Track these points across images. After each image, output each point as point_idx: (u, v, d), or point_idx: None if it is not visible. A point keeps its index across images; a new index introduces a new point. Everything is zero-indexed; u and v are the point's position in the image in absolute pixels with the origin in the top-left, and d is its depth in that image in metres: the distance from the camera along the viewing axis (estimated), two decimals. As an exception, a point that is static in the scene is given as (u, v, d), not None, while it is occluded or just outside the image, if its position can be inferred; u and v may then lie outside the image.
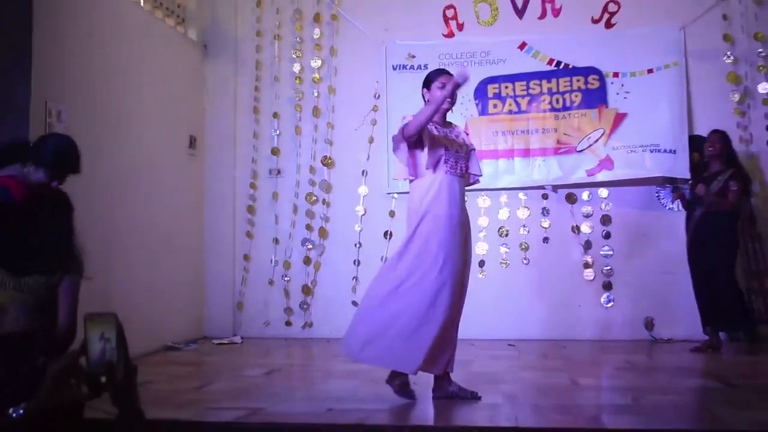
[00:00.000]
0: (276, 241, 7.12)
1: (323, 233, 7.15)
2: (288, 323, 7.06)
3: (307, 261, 7.11)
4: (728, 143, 5.97)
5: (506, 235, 6.94)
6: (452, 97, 3.98)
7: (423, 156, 3.96)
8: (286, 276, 7.13)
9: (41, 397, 1.60)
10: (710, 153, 5.94)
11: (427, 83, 4.12)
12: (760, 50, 6.75)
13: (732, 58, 6.79)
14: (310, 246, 7.07)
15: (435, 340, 3.89)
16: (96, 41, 5.48)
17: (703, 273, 5.85)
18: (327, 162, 7.15)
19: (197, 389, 4.50)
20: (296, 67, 7.26)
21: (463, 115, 6.80)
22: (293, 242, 7.13)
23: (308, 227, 7.12)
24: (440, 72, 4.16)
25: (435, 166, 3.95)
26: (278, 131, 7.26)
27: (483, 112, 6.90)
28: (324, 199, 7.16)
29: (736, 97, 6.72)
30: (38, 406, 1.53)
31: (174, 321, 6.42)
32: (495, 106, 6.90)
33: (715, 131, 6.01)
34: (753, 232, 6.38)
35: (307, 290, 7.06)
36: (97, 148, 5.24)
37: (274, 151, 7.24)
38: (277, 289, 7.13)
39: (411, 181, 4.05)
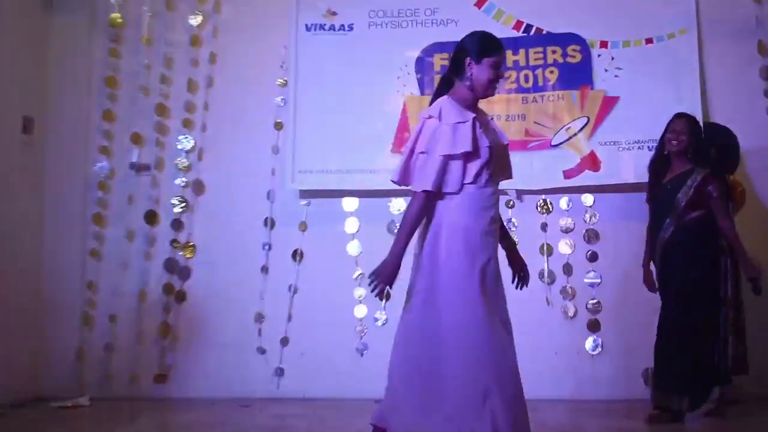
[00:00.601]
0: (125, 265, 5.71)
1: (190, 251, 5.74)
2: (160, 377, 5.62)
3: (169, 290, 5.70)
4: (698, 133, 4.80)
5: None
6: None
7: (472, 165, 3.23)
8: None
9: None
10: (675, 148, 4.71)
11: (476, 53, 3.28)
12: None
13: (761, 23, 5.74)
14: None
15: None
16: None
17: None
18: (200, 155, 5.81)
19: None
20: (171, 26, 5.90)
21: (399, 92, 5.66)
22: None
23: (174, 244, 5.74)
24: (495, 43, 3.33)
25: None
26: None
27: (426, 89, 5.69)
28: (192, 205, 5.79)
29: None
30: None
31: None
32: None
33: (680, 116, 4.86)
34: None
35: (165, 331, 5.65)
36: None
37: (134, 138, 5.76)
38: (130, 329, 5.70)
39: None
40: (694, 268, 4.53)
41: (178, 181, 5.68)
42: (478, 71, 3.22)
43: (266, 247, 5.64)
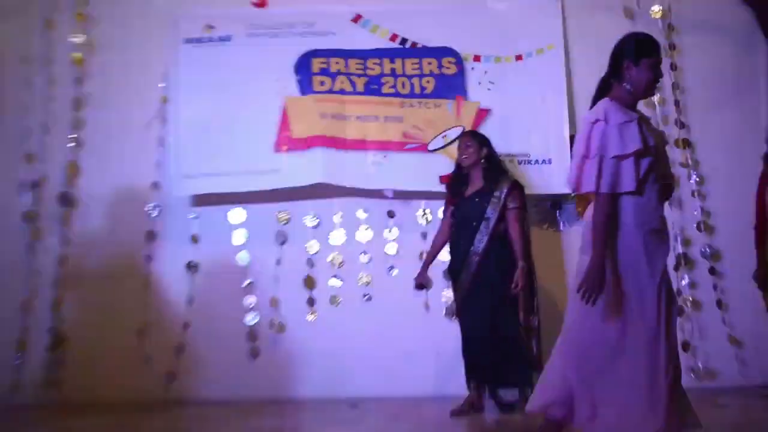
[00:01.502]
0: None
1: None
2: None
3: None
4: (488, 146, 4.91)
5: (341, 265, 5.71)
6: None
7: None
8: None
9: None
10: (466, 162, 4.82)
11: (634, 55, 3.27)
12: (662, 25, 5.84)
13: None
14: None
15: None
16: None
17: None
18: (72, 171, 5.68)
19: None
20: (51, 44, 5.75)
21: (278, 93, 5.64)
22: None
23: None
24: (652, 45, 3.33)
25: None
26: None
27: (306, 90, 5.66)
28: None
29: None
30: None
31: None
32: (322, 83, 5.68)
33: (466, 133, 5.05)
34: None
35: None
36: None
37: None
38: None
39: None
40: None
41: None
42: (637, 73, 3.23)
43: (149, 260, 5.61)
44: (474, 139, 4.82)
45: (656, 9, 5.73)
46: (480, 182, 4.78)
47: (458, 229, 4.80)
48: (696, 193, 5.62)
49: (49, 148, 5.63)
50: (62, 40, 5.69)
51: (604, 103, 3.23)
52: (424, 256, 5.11)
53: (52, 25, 5.66)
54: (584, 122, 3.26)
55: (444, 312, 5.51)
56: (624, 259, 3.13)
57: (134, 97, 5.67)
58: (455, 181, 4.91)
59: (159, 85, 5.65)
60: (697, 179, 5.63)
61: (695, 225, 5.61)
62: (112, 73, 5.72)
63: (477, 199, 4.74)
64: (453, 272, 4.88)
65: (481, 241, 4.69)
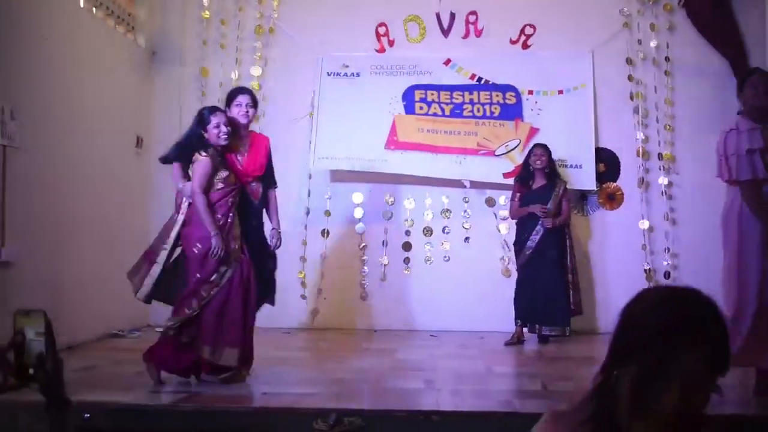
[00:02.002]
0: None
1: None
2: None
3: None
4: (551, 156, 6.22)
5: (430, 234, 7.20)
6: None
7: None
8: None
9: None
10: (538, 166, 6.16)
11: (741, 82, 4.08)
12: (657, 73, 7.15)
13: (634, 80, 7.18)
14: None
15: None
16: (50, 44, 5.62)
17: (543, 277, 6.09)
18: None
19: (139, 374, 4.45)
20: (235, 75, 7.39)
21: (390, 112, 7.07)
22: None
23: None
24: (752, 71, 4.18)
25: None
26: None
27: (409, 111, 7.10)
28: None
29: (636, 115, 7.14)
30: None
31: (119, 309, 6.32)
32: (421, 108, 7.12)
33: (539, 145, 6.24)
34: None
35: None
36: (49, 145, 5.50)
37: None
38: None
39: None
40: (558, 248, 6.12)
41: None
42: (745, 94, 3.97)
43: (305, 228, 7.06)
44: (545, 150, 6.18)
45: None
46: (543, 180, 6.19)
47: (529, 213, 6.14)
48: (664, 194, 7.00)
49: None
50: (244, 72, 7.36)
51: (736, 117, 3.97)
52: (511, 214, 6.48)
53: (239, 62, 7.39)
54: (721, 132, 3.98)
55: (500, 271, 7.02)
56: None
57: (291, 113, 7.20)
58: (525, 177, 6.23)
59: (310, 102, 7.15)
60: (667, 183, 6.99)
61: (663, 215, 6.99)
62: (278, 95, 7.25)
63: (541, 192, 6.15)
64: (519, 242, 6.19)
65: (542, 224, 6.07)
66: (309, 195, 7.27)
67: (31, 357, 1.60)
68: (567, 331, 6.07)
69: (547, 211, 6.08)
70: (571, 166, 6.99)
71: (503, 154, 7.04)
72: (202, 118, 4.30)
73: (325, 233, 7.21)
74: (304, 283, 7.17)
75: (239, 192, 4.39)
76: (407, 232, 7.24)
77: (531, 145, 6.64)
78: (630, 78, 7.21)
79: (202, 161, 4.22)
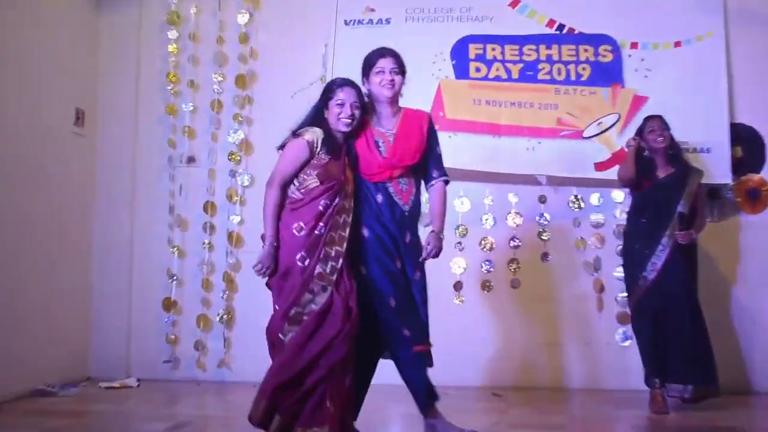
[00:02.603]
0: (178, 251, 6.94)
1: (238, 241, 6.95)
2: (200, 363, 6.86)
3: (229, 282, 6.89)
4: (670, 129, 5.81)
5: (491, 248, 6.71)
6: None
7: None
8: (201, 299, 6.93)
9: None
10: (661, 145, 5.71)
11: None
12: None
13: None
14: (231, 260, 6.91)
15: None
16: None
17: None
18: (245, 147, 7.00)
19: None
20: (217, 23, 7.13)
21: (434, 75, 6.67)
22: (213, 254, 6.94)
23: (230, 236, 6.94)
24: None
25: None
26: (192, 106, 7.02)
27: (461, 74, 6.69)
28: (242, 197, 6.97)
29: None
30: None
31: (48, 356, 6.27)
32: (477, 69, 6.69)
33: (656, 117, 5.83)
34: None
35: (225, 319, 6.88)
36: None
37: (188, 132, 7.04)
38: (187, 317, 6.92)
39: None
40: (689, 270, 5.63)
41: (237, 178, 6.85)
42: None
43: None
44: (664, 123, 5.69)
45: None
46: (667, 167, 5.67)
47: (649, 217, 5.63)
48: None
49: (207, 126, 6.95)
50: (228, 20, 6.99)
51: None
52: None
53: (221, 6, 6.98)
54: None
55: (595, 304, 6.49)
56: None
57: (294, 77, 6.76)
58: (645, 164, 5.72)
59: (322, 62, 6.76)
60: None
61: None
62: (273, 54, 6.91)
63: (669, 183, 5.63)
64: (634, 263, 5.65)
65: (671, 236, 5.53)
66: None
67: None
68: (716, 390, 5.58)
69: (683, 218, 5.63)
70: (694, 151, 6.38)
71: (595, 135, 6.53)
72: (327, 90, 4.36)
73: None
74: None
75: (344, 194, 4.24)
76: (459, 245, 6.70)
77: (638, 119, 6.17)
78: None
79: (294, 143, 4.21)
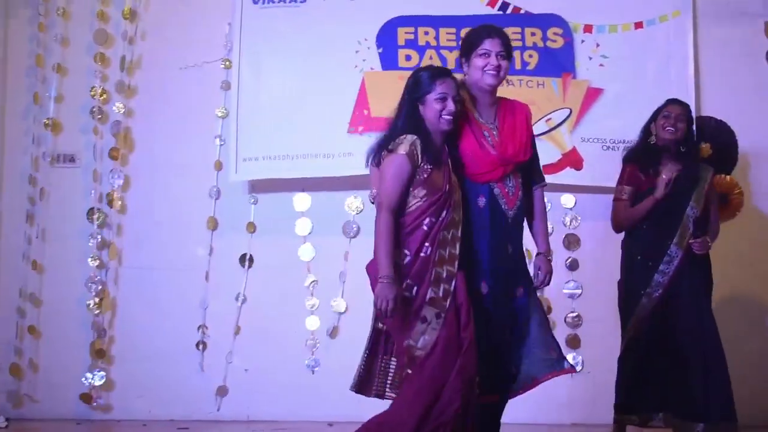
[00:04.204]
0: (35, 265, 6.19)
1: (113, 254, 6.26)
2: (85, 397, 6.08)
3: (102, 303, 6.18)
4: (691, 123, 5.23)
5: None
6: None
7: None
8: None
9: None
10: (670, 137, 5.05)
11: None
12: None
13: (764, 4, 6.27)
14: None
15: None
16: None
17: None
18: (125, 143, 6.29)
19: None
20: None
21: (358, 67, 6.14)
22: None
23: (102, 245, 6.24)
24: None
25: None
26: (56, 94, 6.30)
27: (389, 64, 6.16)
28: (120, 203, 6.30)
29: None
30: None
31: None
32: (408, 57, 6.18)
33: (676, 102, 5.18)
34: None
35: (97, 350, 6.15)
36: None
37: (52, 126, 6.30)
38: (65, 345, 6.19)
39: None
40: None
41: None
42: None
43: (210, 252, 6.07)
44: (686, 110, 5.02)
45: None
46: (675, 163, 5.02)
47: (652, 223, 5.01)
48: None
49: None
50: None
51: None
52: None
53: None
54: None
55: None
56: None
57: (192, 62, 6.19)
58: (648, 156, 5.10)
59: (224, 45, 6.17)
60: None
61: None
62: (166, 35, 6.26)
63: (675, 183, 4.98)
64: (636, 277, 5.07)
65: (680, 245, 4.92)
66: (218, 196, 6.22)
67: None
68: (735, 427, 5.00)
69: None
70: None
71: (543, 133, 6.01)
72: (420, 83, 3.99)
73: (245, 261, 6.16)
74: (204, 343, 6.14)
75: (450, 204, 3.91)
76: None
77: (592, 114, 5.95)
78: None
79: (391, 159, 3.87)
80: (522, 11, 6.15)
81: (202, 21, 6.29)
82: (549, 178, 5.59)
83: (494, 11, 6.14)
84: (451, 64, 5.94)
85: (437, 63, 6.05)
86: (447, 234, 3.87)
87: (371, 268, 3.89)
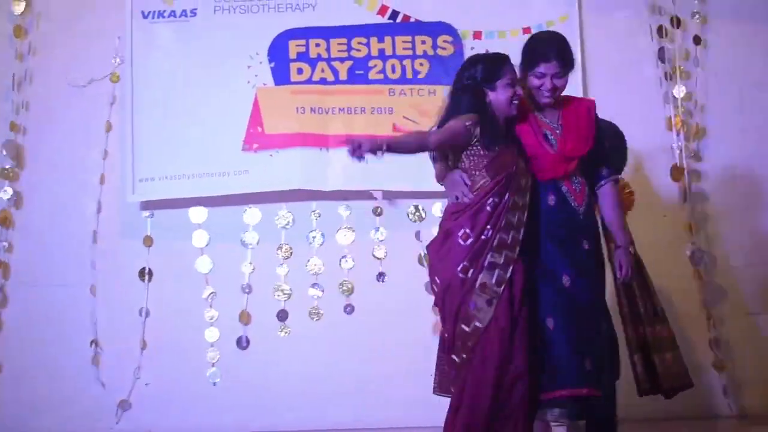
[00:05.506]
0: None
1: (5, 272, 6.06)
2: None
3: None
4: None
5: (319, 271, 6.09)
6: None
7: None
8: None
9: None
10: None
11: None
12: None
13: (650, 8, 6.34)
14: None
15: None
16: None
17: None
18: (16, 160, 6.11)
19: None
20: None
21: (250, 83, 6.03)
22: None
23: None
24: None
25: None
26: None
27: (281, 79, 6.06)
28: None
29: (659, 69, 6.33)
30: None
31: None
32: (300, 71, 6.09)
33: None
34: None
35: None
36: None
37: None
38: None
39: None
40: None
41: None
42: None
43: (94, 266, 5.92)
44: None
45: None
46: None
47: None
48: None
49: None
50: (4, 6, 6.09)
51: None
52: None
53: None
54: None
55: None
56: None
57: (81, 76, 6.04)
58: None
59: (113, 61, 6.03)
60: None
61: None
62: (56, 52, 6.08)
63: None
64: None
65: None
66: (99, 209, 6.08)
67: None
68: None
69: None
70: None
71: None
72: (491, 69, 3.95)
73: (145, 275, 6.00)
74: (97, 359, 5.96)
75: (515, 187, 3.85)
76: (282, 269, 6.08)
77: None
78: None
79: (455, 121, 3.83)
80: (412, 19, 6.11)
81: (96, 35, 6.15)
82: (438, 186, 5.67)
83: (384, 20, 6.09)
84: (342, 76, 6.07)
85: (329, 76, 6.06)
86: (512, 218, 3.83)
87: (432, 247, 3.90)
